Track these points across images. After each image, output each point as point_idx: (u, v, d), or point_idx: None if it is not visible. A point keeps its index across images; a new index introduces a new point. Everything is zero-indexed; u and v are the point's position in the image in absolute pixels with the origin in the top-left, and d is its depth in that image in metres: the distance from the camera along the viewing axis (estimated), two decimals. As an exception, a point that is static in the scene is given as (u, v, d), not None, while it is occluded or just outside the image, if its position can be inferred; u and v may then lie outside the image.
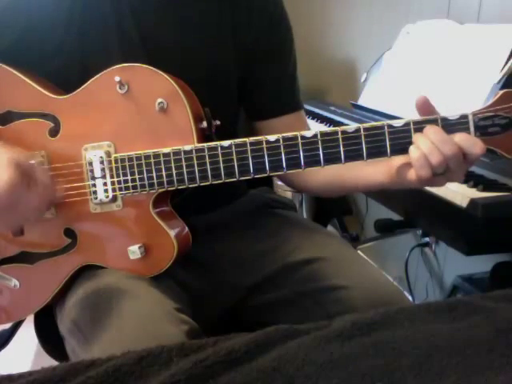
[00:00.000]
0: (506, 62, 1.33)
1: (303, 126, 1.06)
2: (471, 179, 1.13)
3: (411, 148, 0.79)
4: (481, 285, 1.55)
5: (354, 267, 0.95)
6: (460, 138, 0.77)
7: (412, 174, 0.81)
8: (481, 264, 1.56)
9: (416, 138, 0.79)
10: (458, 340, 0.65)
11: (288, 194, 1.81)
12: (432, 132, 0.78)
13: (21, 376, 0.63)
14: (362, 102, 1.93)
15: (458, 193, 1.09)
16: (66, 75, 0.91)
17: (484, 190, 1.09)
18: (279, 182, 1.17)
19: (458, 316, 0.72)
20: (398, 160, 0.84)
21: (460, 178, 0.82)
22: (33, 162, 0.84)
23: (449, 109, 0.81)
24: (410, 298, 2.01)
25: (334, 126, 0.82)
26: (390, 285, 0.93)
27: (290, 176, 1.01)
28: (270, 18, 1.01)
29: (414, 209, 1.33)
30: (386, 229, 1.80)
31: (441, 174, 0.79)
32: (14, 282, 0.91)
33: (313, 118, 2.01)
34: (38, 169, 0.82)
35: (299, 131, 0.81)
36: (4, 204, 0.75)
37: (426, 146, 0.77)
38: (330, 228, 2.28)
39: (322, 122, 1.93)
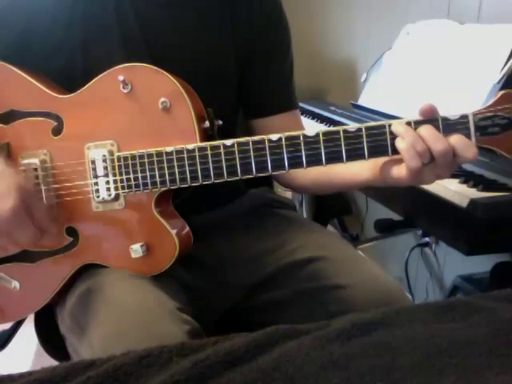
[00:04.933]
0: (506, 62, 1.33)
1: (298, 125, 1.07)
2: (471, 179, 1.13)
3: (398, 140, 0.79)
4: (481, 285, 1.55)
5: (355, 266, 0.95)
6: (456, 139, 0.77)
7: (400, 170, 0.81)
8: (481, 264, 1.56)
9: (399, 132, 0.79)
10: (458, 340, 0.65)
11: (288, 193, 1.81)
12: (424, 130, 0.78)
13: (21, 376, 0.63)
14: (362, 102, 1.93)
15: (457, 193, 1.09)
16: (67, 74, 0.91)
17: (484, 189, 1.09)
18: (279, 184, 1.17)
19: (458, 316, 0.72)
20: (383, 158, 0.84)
21: (447, 174, 0.82)
22: (35, 184, 0.86)
23: (449, 109, 0.81)
24: (410, 297, 2.01)
25: (334, 126, 0.82)
26: (391, 284, 0.94)
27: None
28: (269, 18, 1.01)
29: (414, 209, 1.33)
30: (386, 229, 1.80)
31: (428, 165, 0.79)
32: (14, 284, 0.91)
33: (313, 118, 2.01)
34: (38, 205, 0.82)
35: (295, 130, 0.82)
36: (3, 230, 0.77)
37: (410, 137, 0.77)
38: (329, 228, 2.28)
39: (321, 122, 1.93)
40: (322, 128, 0.81)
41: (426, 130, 0.78)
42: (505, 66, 1.33)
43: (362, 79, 1.99)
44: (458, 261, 1.88)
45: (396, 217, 1.53)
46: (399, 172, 0.82)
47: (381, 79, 1.87)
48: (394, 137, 0.79)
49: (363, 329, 0.68)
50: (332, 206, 2.30)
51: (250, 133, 1.04)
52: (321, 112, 2.05)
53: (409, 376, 0.59)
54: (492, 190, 1.09)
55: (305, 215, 2.28)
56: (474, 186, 1.11)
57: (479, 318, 0.70)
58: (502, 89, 1.30)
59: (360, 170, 0.91)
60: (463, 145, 0.77)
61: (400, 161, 0.81)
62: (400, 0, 2.12)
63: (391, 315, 0.72)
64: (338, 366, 0.61)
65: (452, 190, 1.10)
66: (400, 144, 0.78)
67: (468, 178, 1.14)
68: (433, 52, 1.65)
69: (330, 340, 0.66)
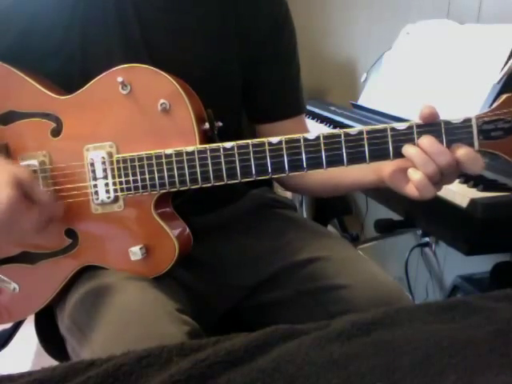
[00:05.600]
0: (506, 62, 1.33)
1: (304, 130, 1.06)
2: (471, 179, 1.13)
3: (410, 171, 0.79)
4: (481, 285, 1.55)
5: (356, 266, 0.95)
6: (464, 152, 0.77)
7: (413, 190, 0.81)
8: (481, 264, 1.56)
9: (414, 156, 0.78)
10: (458, 340, 0.65)
11: (288, 193, 1.81)
12: (428, 145, 0.77)
13: (21, 376, 0.63)
14: (361, 102, 1.93)
15: (457, 193, 1.09)
16: (67, 75, 0.91)
17: (484, 190, 1.09)
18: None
19: (458, 316, 0.72)
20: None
21: (452, 181, 0.82)
22: (34, 178, 0.84)
23: (449, 109, 0.81)
24: (410, 297, 2.01)
25: (334, 126, 0.82)
26: (392, 284, 0.94)
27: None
28: (275, 20, 1.01)
29: (414, 209, 1.33)
30: (386, 229, 1.80)
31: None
32: (14, 286, 0.91)
33: (313, 118, 2.01)
34: (38, 187, 0.82)
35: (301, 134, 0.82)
36: (2, 224, 0.76)
37: (429, 169, 0.77)
38: (330, 228, 2.28)
39: (322, 122, 1.93)
40: (322, 130, 0.81)
41: (430, 144, 0.77)
42: (505, 65, 1.33)
43: (362, 79, 1.99)
44: (458, 261, 1.88)
45: (396, 217, 1.53)
46: (412, 192, 0.81)
47: (381, 79, 1.87)
48: (395, 140, 0.79)
49: (363, 329, 0.68)
50: (332, 206, 2.30)
51: (255, 137, 1.04)
52: (321, 112, 2.05)
53: (409, 376, 0.59)
54: (492, 189, 1.09)
55: (305, 215, 2.28)
56: (474, 186, 1.11)
57: (479, 318, 0.70)
58: (502, 89, 1.30)
59: (366, 173, 0.92)
60: (472, 159, 0.77)
61: (406, 172, 0.81)
62: (400, 0, 2.12)
63: (391, 315, 0.72)
64: (337, 366, 0.61)
65: (452, 190, 1.10)
66: (414, 175, 0.78)
67: (468, 177, 1.14)
68: (433, 52, 1.65)
69: (330, 340, 0.66)
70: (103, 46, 0.92)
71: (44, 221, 0.82)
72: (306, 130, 1.07)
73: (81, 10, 0.91)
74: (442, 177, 0.79)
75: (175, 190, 0.85)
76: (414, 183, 0.79)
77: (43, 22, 0.91)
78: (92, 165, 0.87)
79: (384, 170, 0.86)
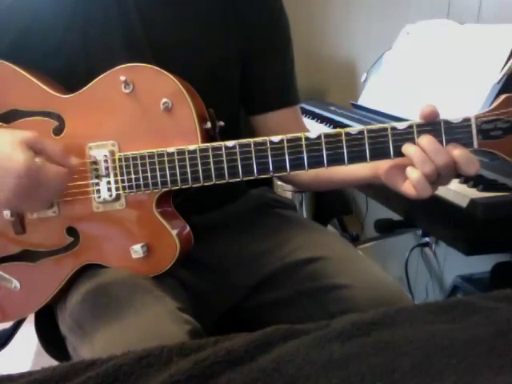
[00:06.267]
0: (506, 62, 1.33)
1: (298, 121, 1.07)
2: (471, 179, 1.13)
3: (409, 170, 0.79)
4: (481, 285, 1.55)
5: (356, 266, 0.95)
6: (459, 153, 0.77)
7: (410, 188, 0.81)
8: (481, 264, 1.56)
9: (414, 155, 0.78)
10: (458, 340, 0.65)
11: (288, 193, 1.81)
12: (427, 144, 0.78)
13: (21, 376, 0.63)
14: (361, 101, 1.93)
15: (458, 193, 1.09)
16: (68, 74, 0.91)
17: (484, 190, 1.09)
18: (279, 182, 1.18)
19: (458, 316, 0.72)
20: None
21: (448, 182, 0.83)
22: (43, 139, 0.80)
23: (449, 109, 0.81)
24: (410, 297, 2.01)
25: (334, 126, 0.83)
26: (392, 283, 0.94)
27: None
28: (270, 14, 1.02)
29: (414, 209, 1.33)
30: (386, 229, 1.80)
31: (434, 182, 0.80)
32: (15, 284, 0.91)
33: (313, 118, 2.01)
34: (46, 141, 0.79)
35: (295, 126, 0.82)
36: (27, 184, 0.74)
37: (428, 169, 0.78)
38: (329, 228, 2.28)
39: (321, 122, 1.93)
40: (323, 130, 0.82)
41: (428, 143, 0.78)
42: (505, 65, 1.33)
43: (362, 79, 1.99)
44: (458, 261, 1.88)
45: (396, 217, 1.53)
46: (409, 189, 0.82)
47: (381, 79, 1.87)
48: (395, 139, 0.79)
49: (363, 329, 0.68)
50: (332, 206, 2.30)
51: (251, 130, 1.05)
52: (321, 112, 2.05)
53: (409, 376, 0.60)
54: (492, 190, 1.09)
55: (305, 215, 2.29)
56: (474, 186, 1.11)
57: (479, 318, 0.70)
58: (502, 89, 1.30)
59: (360, 168, 0.91)
60: (466, 160, 0.77)
61: (403, 170, 0.81)
62: (400, 0, 2.12)
63: (391, 315, 0.72)
64: (337, 366, 0.62)
65: (452, 189, 1.10)
66: (412, 174, 0.79)
67: (468, 178, 1.14)
68: (433, 52, 1.65)
69: (330, 340, 0.66)
70: (105, 46, 0.92)
71: (65, 173, 0.78)
72: (301, 122, 1.08)
73: (81, 10, 0.91)
74: (438, 177, 0.79)
75: (177, 188, 0.85)
76: (412, 182, 0.79)
77: (43, 22, 0.91)
78: (94, 163, 0.87)
79: (380, 166, 0.87)
